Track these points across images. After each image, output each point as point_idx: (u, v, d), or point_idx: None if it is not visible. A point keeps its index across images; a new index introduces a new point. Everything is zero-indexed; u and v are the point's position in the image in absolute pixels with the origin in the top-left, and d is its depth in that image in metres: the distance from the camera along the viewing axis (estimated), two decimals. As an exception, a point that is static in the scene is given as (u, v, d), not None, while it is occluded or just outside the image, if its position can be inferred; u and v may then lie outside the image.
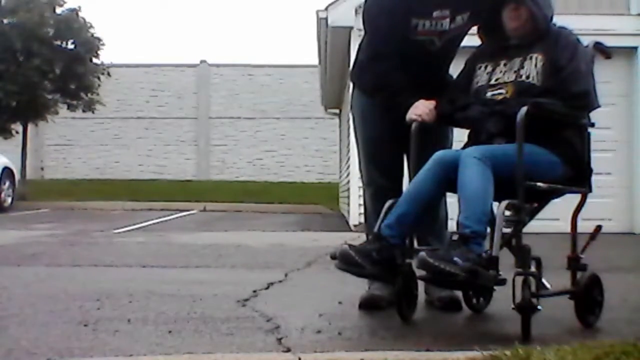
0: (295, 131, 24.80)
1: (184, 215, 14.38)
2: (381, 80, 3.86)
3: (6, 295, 4.41)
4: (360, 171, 4.23)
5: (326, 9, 10.02)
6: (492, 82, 3.58)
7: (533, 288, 3.19)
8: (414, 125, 3.65)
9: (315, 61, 14.78)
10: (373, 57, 3.93)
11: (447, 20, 3.80)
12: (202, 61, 25.23)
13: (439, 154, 3.48)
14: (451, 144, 4.01)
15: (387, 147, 4.00)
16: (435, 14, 3.78)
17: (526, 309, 3.12)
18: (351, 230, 9.71)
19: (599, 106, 3.51)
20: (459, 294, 3.84)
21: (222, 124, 24.90)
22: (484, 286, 3.42)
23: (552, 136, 3.44)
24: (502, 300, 3.57)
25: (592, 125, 3.56)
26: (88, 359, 2.85)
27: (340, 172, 17.07)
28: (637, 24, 9.91)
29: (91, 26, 18.94)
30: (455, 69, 3.98)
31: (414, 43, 3.81)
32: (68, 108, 19.43)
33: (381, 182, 4.01)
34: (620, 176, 9.86)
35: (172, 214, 14.35)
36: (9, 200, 14.41)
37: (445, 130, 3.99)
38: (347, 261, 3.41)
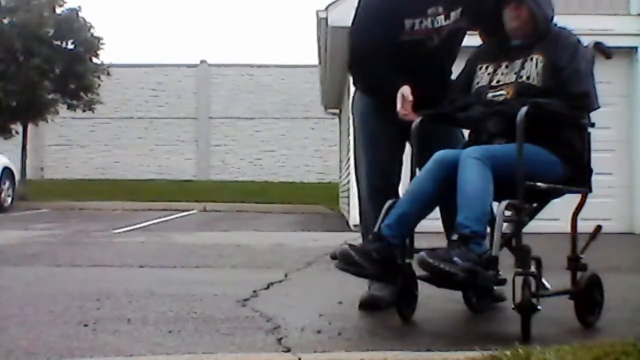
0: (295, 131, 24.81)
1: (184, 215, 14.39)
2: (375, 83, 3.88)
3: (6, 295, 4.41)
4: (356, 170, 4.22)
5: (326, 9, 10.02)
6: (493, 83, 3.58)
7: (533, 288, 3.18)
8: (413, 125, 3.65)
9: (315, 61, 14.78)
10: (367, 61, 3.95)
11: (442, 16, 3.82)
12: (202, 61, 25.25)
13: (439, 154, 3.48)
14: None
15: (385, 148, 4.00)
16: (429, 11, 3.81)
17: (526, 309, 3.11)
18: (351, 230, 9.71)
19: (599, 107, 3.51)
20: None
21: (222, 124, 24.92)
22: (483, 286, 3.42)
23: (552, 136, 3.44)
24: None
25: (592, 125, 3.56)
26: (88, 359, 2.85)
27: (340, 172, 17.06)
28: (637, 24, 9.90)
29: (91, 26, 18.96)
30: (456, 68, 3.98)
31: (412, 43, 3.82)
32: (68, 108, 19.45)
33: (377, 183, 4.00)
34: (620, 176, 9.86)
35: (172, 214, 14.35)
36: (9, 200, 14.41)
37: (455, 130, 3.97)
38: (347, 261, 3.41)
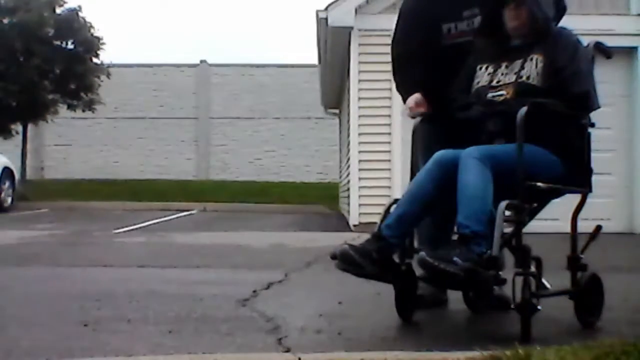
0: (295, 131, 24.80)
1: (184, 216, 14.38)
2: (408, 87, 3.92)
3: (6, 295, 4.41)
4: (412, 172, 4.27)
5: (326, 9, 10.02)
6: (494, 83, 3.58)
7: (533, 288, 3.19)
8: (413, 124, 3.66)
9: (315, 61, 14.78)
10: (407, 67, 3.99)
11: (478, 17, 3.84)
12: (202, 61, 25.24)
13: (438, 154, 3.48)
14: None
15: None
16: (465, 13, 3.85)
17: (526, 309, 3.12)
18: (351, 230, 9.71)
19: (599, 107, 3.51)
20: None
21: (222, 124, 24.91)
22: (483, 286, 3.42)
23: (552, 136, 3.44)
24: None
25: (592, 125, 3.56)
26: (88, 359, 2.85)
27: (340, 172, 17.06)
28: (637, 24, 9.91)
29: (91, 26, 18.97)
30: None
31: (453, 47, 3.85)
32: (68, 108, 19.46)
33: None
34: (620, 176, 9.87)
35: (172, 214, 14.34)
36: (9, 200, 14.39)
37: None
38: (347, 261, 3.41)
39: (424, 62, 3.90)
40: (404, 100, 4.03)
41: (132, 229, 10.30)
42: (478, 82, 3.65)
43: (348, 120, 11.24)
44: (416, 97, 3.79)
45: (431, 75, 3.85)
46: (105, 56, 26.84)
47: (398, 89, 4.14)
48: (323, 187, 20.82)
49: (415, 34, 3.99)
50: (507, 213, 3.23)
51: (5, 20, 18.21)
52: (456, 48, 3.85)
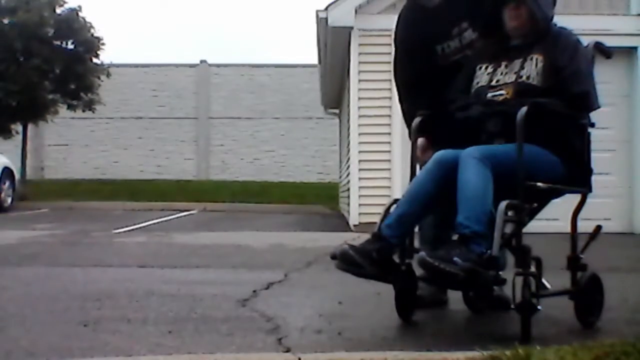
0: (295, 131, 24.82)
1: (184, 216, 14.38)
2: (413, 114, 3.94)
3: (6, 295, 4.41)
4: (412, 167, 4.28)
5: (326, 9, 10.02)
6: (493, 83, 3.58)
7: (533, 288, 3.19)
8: (413, 123, 3.66)
9: (315, 61, 14.77)
10: (414, 95, 4.02)
11: (470, 30, 3.84)
12: (202, 61, 25.26)
13: (438, 154, 3.48)
14: None
15: None
16: (454, 31, 3.85)
17: (526, 309, 3.12)
18: (351, 230, 9.71)
19: (599, 106, 3.51)
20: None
21: (222, 124, 24.93)
22: (483, 286, 3.42)
23: (552, 136, 3.43)
24: (502, 300, 3.56)
25: (592, 125, 3.56)
26: (88, 359, 2.85)
27: (340, 172, 17.06)
28: (637, 24, 9.92)
29: (91, 26, 18.97)
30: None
31: (453, 64, 3.86)
32: (68, 108, 19.46)
33: None
34: (620, 176, 9.87)
35: (172, 214, 14.34)
36: (9, 200, 14.39)
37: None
38: (347, 261, 3.41)
39: (427, 86, 3.90)
40: (409, 127, 4.02)
41: (132, 229, 10.29)
42: (478, 82, 3.65)
43: (348, 120, 11.25)
44: (420, 143, 3.78)
45: (438, 97, 3.86)
46: (105, 56, 26.91)
47: (405, 116, 4.15)
48: (323, 187, 20.83)
49: (412, 64, 4.01)
50: (508, 213, 3.23)
51: (5, 20, 18.20)
52: (454, 65, 3.87)
